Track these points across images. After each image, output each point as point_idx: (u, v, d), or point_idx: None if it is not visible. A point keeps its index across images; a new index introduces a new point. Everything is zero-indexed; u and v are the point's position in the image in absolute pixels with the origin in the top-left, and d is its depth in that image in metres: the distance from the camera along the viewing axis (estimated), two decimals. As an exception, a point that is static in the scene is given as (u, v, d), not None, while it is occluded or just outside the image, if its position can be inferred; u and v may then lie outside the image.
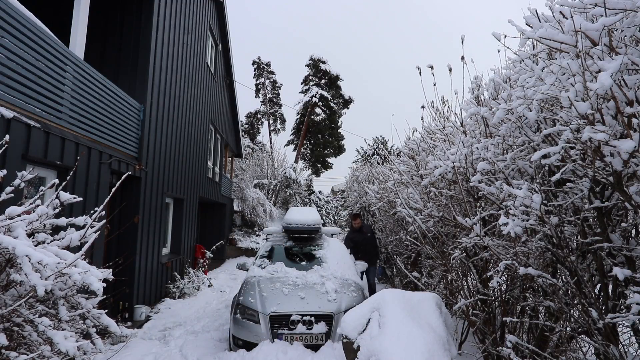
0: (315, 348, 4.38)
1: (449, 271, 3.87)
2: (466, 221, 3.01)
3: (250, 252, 15.47)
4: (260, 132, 33.60)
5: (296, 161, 27.76)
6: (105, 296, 2.99)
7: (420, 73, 4.08)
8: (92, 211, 2.87)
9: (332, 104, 28.82)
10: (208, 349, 4.96)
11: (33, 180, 3.65)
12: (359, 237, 7.28)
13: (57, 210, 2.77)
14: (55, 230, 2.82)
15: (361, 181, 10.55)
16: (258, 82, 32.43)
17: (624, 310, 2.36)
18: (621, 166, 1.92)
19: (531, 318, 3.27)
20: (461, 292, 3.83)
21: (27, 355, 2.17)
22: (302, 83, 29.97)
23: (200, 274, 8.84)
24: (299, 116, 29.94)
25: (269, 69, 32.34)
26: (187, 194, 9.28)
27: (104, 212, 2.87)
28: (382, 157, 10.32)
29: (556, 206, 2.62)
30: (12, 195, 2.60)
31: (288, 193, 20.76)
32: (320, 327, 4.50)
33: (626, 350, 2.47)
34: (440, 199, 4.03)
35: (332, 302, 4.75)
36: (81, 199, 3.14)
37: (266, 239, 7.07)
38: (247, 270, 6.18)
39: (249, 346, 4.48)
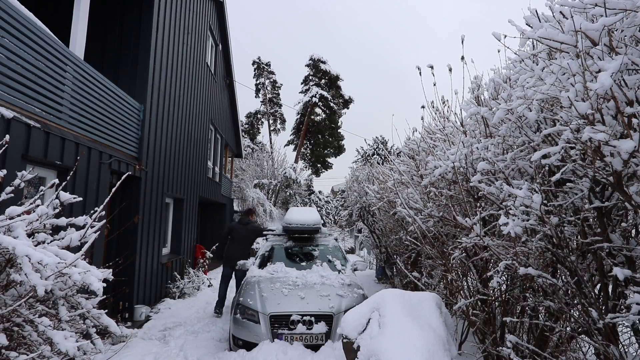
0: (315, 348, 4.38)
1: (449, 271, 3.87)
2: (466, 221, 3.00)
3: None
4: (260, 132, 33.63)
5: (296, 161, 27.78)
6: (105, 296, 2.99)
7: (420, 73, 4.08)
8: (92, 211, 2.87)
9: (332, 104, 28.83)
10: (208, 349, 4.96)
11: (33, 180, 3.65)
12: (241, 229, 6.99)
13: (57, 210, 2.77)
14: (55, 230, 2.82)
15: (361, 181, 10.55)
16: (258, 82, 32.44)
17: (624, 310, 2.36)
18: (621, 166, 1.92)
19: (531, 318, 3.26)
20: (461, 292, 3.83)
21: (27, 355, 2.17)
22: (302, 83, 30.00)
23: (200, 274, 8.84)
24: (299, 116, 29.96)
25: (269, 69, 32.35)
26: (187, 194, 9.28)
27: (104, 212, 2.87)
28: (382, 157, 10.33)
29: (556, 206, 2.62)
30: (12, 195, 2.59)
31: (288, 193, 20.77)
32: (320, 327, 4.50)
33: (626, 350, 2.47)
34: (440, 199, 4.03)
35: (332, 302, 4.75)
36: (81, 199, 3.14)
37: (266, 238, 7.08)
38: (247, 270, 6.18)
39: (249, 346, 4.49)
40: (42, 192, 2.75)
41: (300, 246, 6.55)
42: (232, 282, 6.84)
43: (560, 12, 2.12)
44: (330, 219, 24.81)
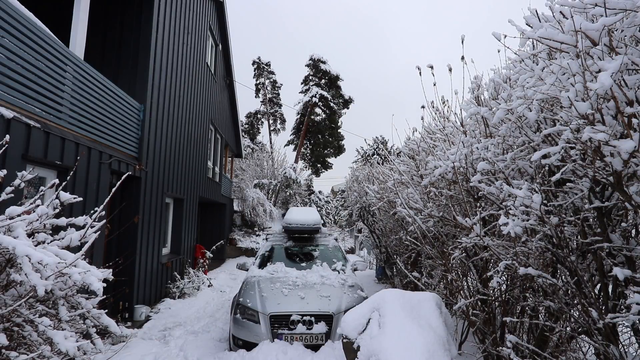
0: (315, 348, 4.38)
1: (449, 271, 3.86)
2: (466, 221, 3.00)
3: (250, 252, 15.48)
4: (260, 132, 33.60)
5: (296, 161, 27.77)
6: (105, 296, 2.98)
7: (420, 73, 4.08)
8: (92, 211, 2.87)
9: (332, 104, 28.81)
10: (208, 349, 4.96)
11: (33, 180, 3.65)
12: None
13: (57, 210, 2.77)
14: (55, 230, 2.82)
15: (361, 181, 10.54)
16: (258, 82, 32.42)
17: (624, 310, 2.36)
18: (621, 166, 1.92)
19: (531, 318, 3.26)
20: (461, 292, 3.82)
21: (27, 355, 2.17)
22: (302, 83, 29.96)
23: (200, 274, 8.84)
24: (299, 116, 29.94)
25: (269, 69, 32.32)
26: (187, 194, 9.28)
27: (104, 212, 2.87)
28: (382, 157, 10.33)
29: (556, 206, 2.62)
30: (12, 195, 2.59)
31: (288, 193, 20.76)
32: (320, 327, 4.50)
33: (626, 350, 2.47)
34: (440, 199, 4.03)
35: (332, 302, 4.75)
36: (81, 199, 3.14)
37: (266, 238, 7.09)
38: (247, 270, 6.18)
39: (249, 346, 4.49)
40: (42, 192, 2.75)
41: (300, 246, 6.55)
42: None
43: (560, 12, 2.12)
44: (330, 219, 24.82)
